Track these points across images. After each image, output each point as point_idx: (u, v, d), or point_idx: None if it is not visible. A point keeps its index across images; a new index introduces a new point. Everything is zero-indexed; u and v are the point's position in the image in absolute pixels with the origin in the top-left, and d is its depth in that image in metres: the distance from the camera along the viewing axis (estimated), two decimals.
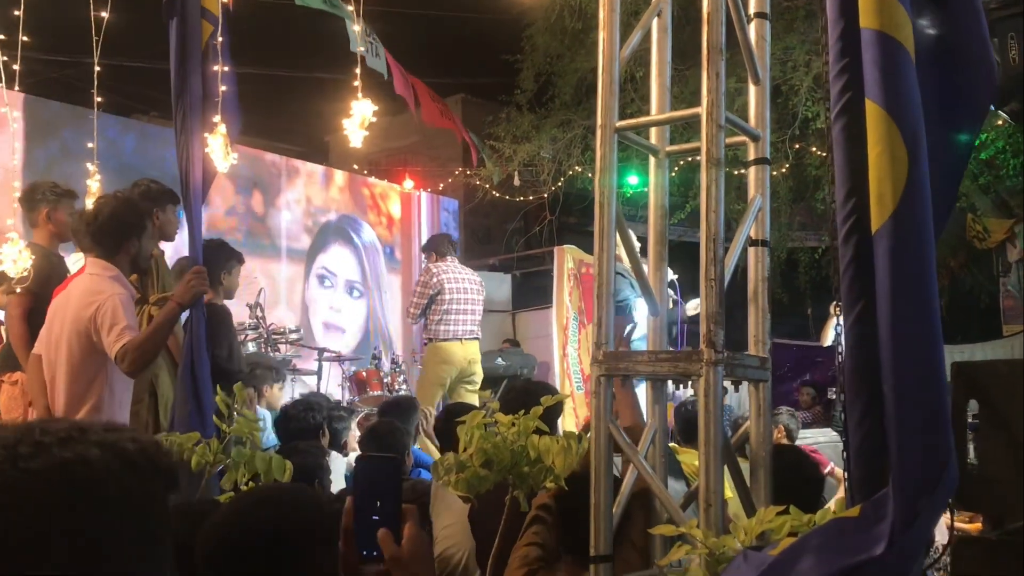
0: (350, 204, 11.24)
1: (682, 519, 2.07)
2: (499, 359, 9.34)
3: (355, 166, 12.33)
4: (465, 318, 6.91)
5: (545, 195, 12.71)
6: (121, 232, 3.61)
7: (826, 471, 5.30)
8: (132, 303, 3.60)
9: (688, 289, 7.24)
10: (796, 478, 2.90)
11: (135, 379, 3.78)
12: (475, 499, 2.85)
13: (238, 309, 7.66)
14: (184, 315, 3.58)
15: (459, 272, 7.12)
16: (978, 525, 3.45)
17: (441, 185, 13.23)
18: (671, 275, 6.09)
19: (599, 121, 2.33)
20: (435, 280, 6.91)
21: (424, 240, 11.79)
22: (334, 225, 11.26)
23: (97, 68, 5.26)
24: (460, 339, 6.83)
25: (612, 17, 2.35)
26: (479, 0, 9.37)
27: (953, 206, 1.81)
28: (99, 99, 5.53)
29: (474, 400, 6.74)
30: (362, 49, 4.71)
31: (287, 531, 1.82)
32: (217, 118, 3.37)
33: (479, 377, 7.04)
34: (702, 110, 2.13)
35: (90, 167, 5.10)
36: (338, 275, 11.21)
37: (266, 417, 4.91)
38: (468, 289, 7.00)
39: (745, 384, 2.28)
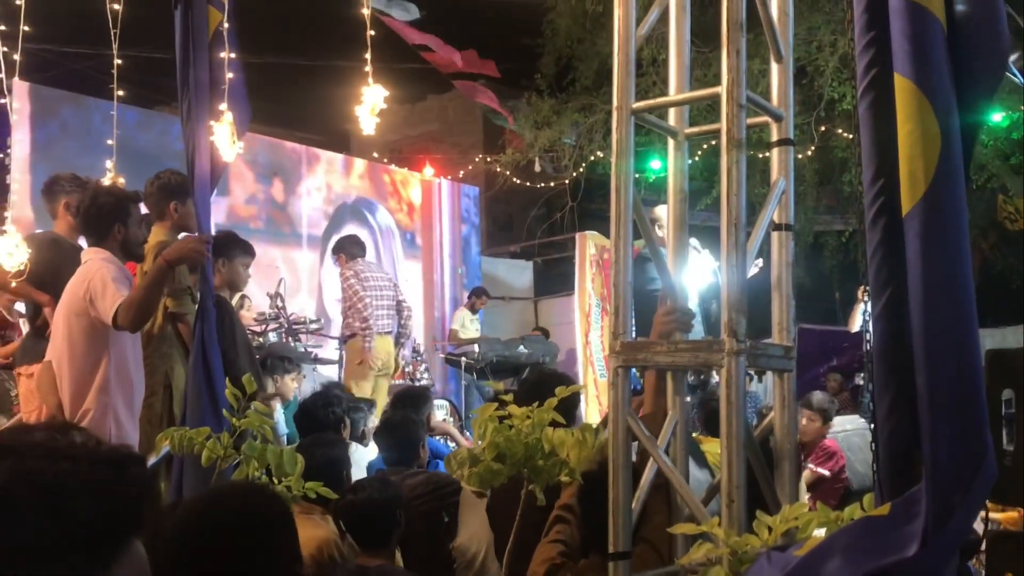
0: (370, 191, 11.16)
1: (704, 515, 1.99)
2: (521, 347, 9.29)
3: (375, 154, 12.27)
4: (381, 313, 7.34)
5: (567, 181, 12.61)
6: (104, 219, 3.75)
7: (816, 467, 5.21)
8: (124, 276, 3.69)
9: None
10: None
11: (147, 364, 3.79)
12: (492, 492, 2.81)
13: (259, 299, 7.68)
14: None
15: (371, 271, 7.53)
16: (1013, 515, 3.35)
17: (461, 172, 13.17)
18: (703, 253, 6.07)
19: (615, 103, 2.25)
20: (355, 284, 7.34)
21: (446, 227, 11.83)
22: (350, 207, 11.08)
23: (117, 61, 5.23)
24: (380, 333, 7.29)
25: None
26: None
27: (965, 185, 1.71)
28: (120, 92, 5.51)
29: (386, 388, 7.27)
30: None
31: (243, 526, 1.88)
32: (224, 106, 3.32)
33: (392, 368, 7.50)
34: (722, 89, 2.04)
35: (108, 163, 5.09)
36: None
37: (276, 407, 4.88)
38: (382, 287, 7.46)
39: (769, 373, 2.20)
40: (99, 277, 3.56)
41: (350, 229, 10.49)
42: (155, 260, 3.57)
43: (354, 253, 7.62)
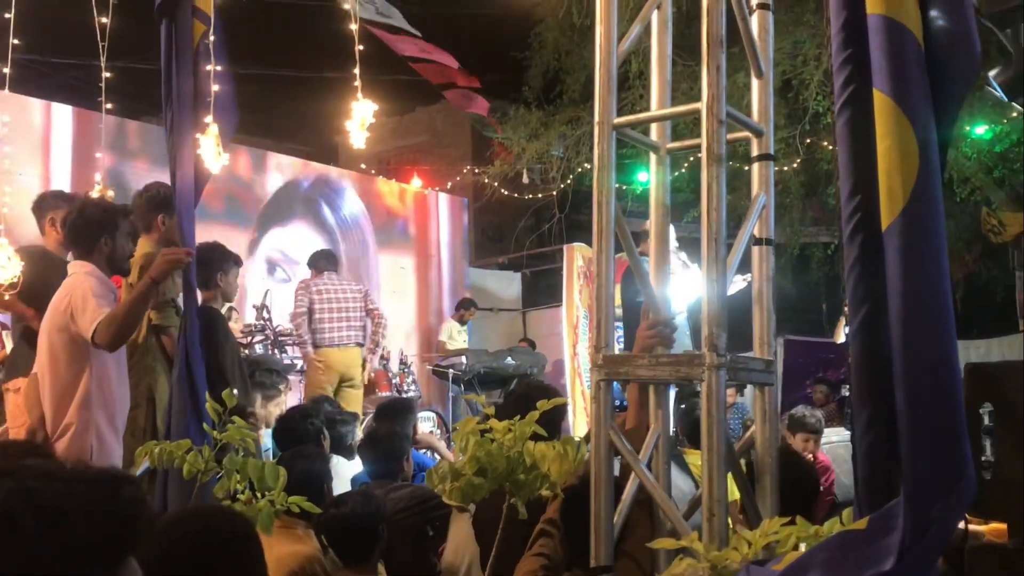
0: (359, 204, 11.03)
1: (685, 530, 1.99)
2: (508, 358, 9.28)
3: (363, 165, 12.25)
4: (340, 326, 7.44)
5: (555, 193, 12.63)
6: (91, 231, 3.69)
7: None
8: (108, 291, 3.65)
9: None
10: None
11: (130, 377, 3.77)
12: (477, 506, 2.80)
13: (245, 311, 7.66)
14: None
15: (334, 284, 7.60)
16: (993, 526, 3.36)
17: (450, 184, 13.18)
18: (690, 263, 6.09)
19: (597, 118, 2.26)
20: (302, 297, 7.50)
21: (444, 240, 11.75)
22: (303, 196, 9.86)
23: (107, 74, 5.22)
24: (337, 346, 7.38)
25: (609, 10, 2.27)
26: None
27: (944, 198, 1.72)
28: (108, 105, 5.50)
29: (356, 398, 7.37)
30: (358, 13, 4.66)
31: (205, 548, 1.91)
32: (209, 118, 3.32)
33: (359, 379, 7.56)
34: (702, 105, 2.05)
35: (97, 176, 5.08)
36: (300, 263, 9.17)
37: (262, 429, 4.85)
38: (345, 299, 7.52)
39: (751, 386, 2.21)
40: (80, 292, 3.52)
41: (297, 226, 9.85)
42: (139, 276, 3.53)
43: (321, 267, 7.69)
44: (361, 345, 7.56)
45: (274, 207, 9.66)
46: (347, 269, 9.71)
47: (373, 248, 10.77)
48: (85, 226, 3.70)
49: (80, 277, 3.62)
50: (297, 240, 9.71)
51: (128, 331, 3.51)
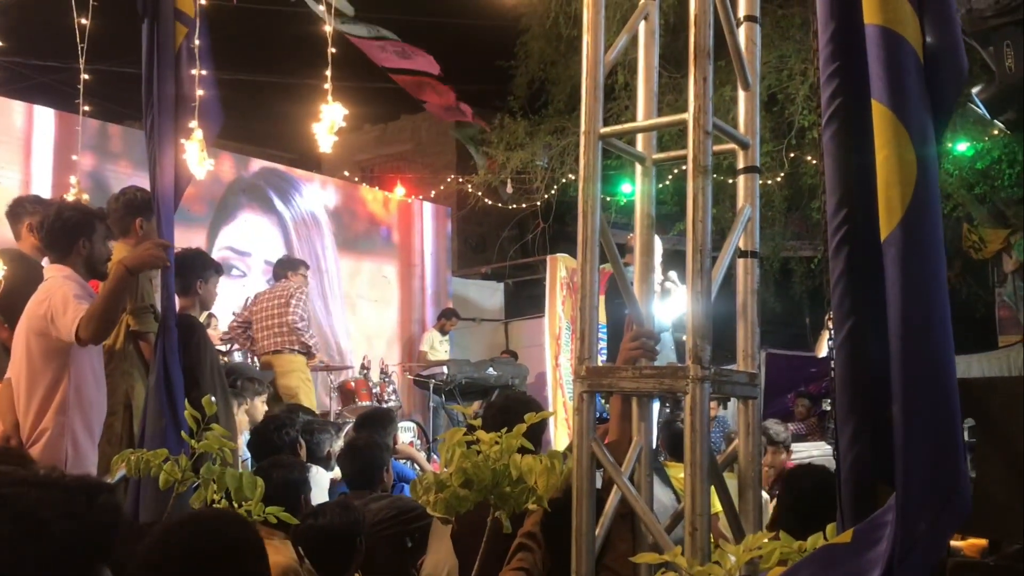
0: (343, 210, 11.00)
1: (668, 544, 1.97)
2: (490, 369, 9.24)
3: (346, 172, 12.21)
4: (265, 335, 7.30)
5: (538, 203, 12.63)
6: (69, 233, 3.67)
7: None
8: (87, 294, 3.61)
9: None
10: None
11: (108, 384, 3.72)
12: (457, 519, 2.77)
13: (224, 318, 7.60)
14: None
15: (262, 293, 7.53)
16: (972, 542, 3.37)
17: (433, 192, 13.15)
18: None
19: (583, 128, 2.25)
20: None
21: (428, 249, 11.68)
22: (247, 182, 9.22)
23: (85, 76, 5.17)
24: (265, 353, 7.28)
25: (597, 19, 2.26)
26: (473, 5, 9.31)
27: None
28: (86, 108, 5.44)
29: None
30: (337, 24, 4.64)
31: (216, 554, 1.89)
32: (194, 123, 3.28)
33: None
34: (689, 116, 2.04)
35: (73, 179, 5.03)
36: (252, 255, 9.01)
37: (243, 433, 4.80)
38: (267, 307, 7.40)
39: (734, 399, 2.19)
40: (60, 295, 3.48)
41: (245, 215, 9.31)
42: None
43: (277, 274, 7.63)
44: (280, 352, 7.35)
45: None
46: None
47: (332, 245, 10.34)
48: (62, 229, 3.67)
49: (58, 281, 3.58)
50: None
51: (110, 324, 3.49)
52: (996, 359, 10.15)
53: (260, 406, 5.22)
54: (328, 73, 4.00)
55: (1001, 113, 5.66)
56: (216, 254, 8.96)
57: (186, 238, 8.06)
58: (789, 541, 1.69)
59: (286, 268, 7.67)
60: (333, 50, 4.24)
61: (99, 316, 3.40)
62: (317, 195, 10.23)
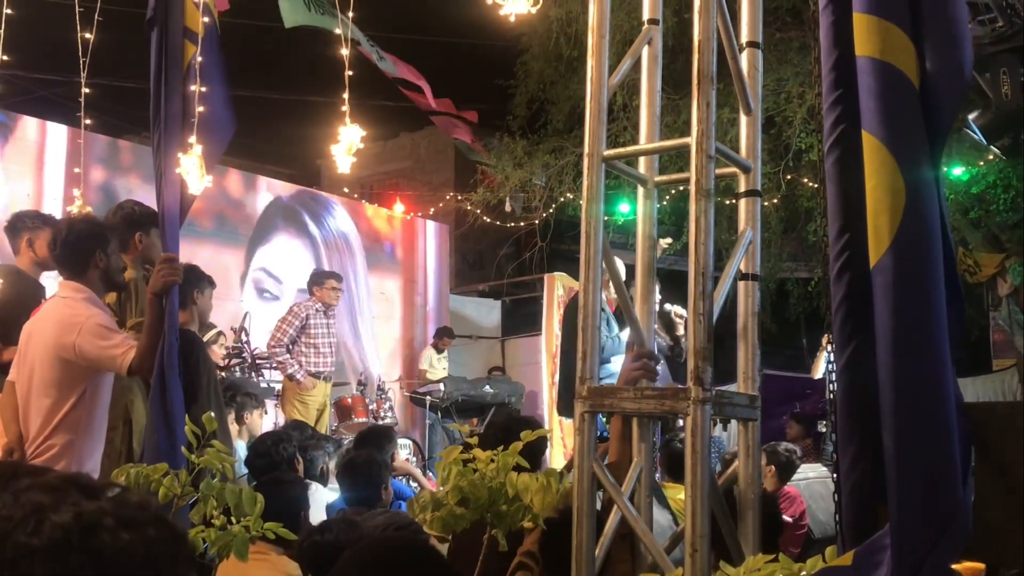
0: (343, 227, 11.00)
1: (668, 566, 1.98)
2: (487, 386, 9.25)
3: (346, 189, 12.24)
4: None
5: (536, 221, 12.67)
6: (84, 247, 3.56)
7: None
8: (112, 318, 3.57)
9: None
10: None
11: (112, 403, 3.70)
12: (453, 537, 2.77)
13: (258, 340, 7.59)
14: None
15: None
16: (968, 565, 3.36)
17: (432, 210, 13.18)
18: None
19: (586, 149, 2.27)
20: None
21: (430, 266, 11.70)
22: (284, 206, 9.58)
23: (86, 90, 5.19)
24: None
25: (601, 44, 2.29)
26: (474, 25, 9.38)
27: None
28: (87, 120, 5.47)
29: None
30: (358, 46, 4.67)
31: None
32: (193, 139, 3.29)
33: None
34: (692, 140, 2.07)
35: (76, 192, 5.04)
36: (284, 281, 9.38)
37: (240, 447, 4.80)
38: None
39: (734, 420, 2.20)
40: (94, 325, 3.38)
41: (280, 238, 9.67)
42: (117, 297, 3.45)
43: (309, 290, 7.75)
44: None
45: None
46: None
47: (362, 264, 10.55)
48: (77, 242, 3.55)
49: (81, 306, 3.47)
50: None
51: (156, 354, 3.39)
52: (991, 382, 10.19)
53: (259, 420, 5.22)
54: (346, 96, 4.02)
55: (997, 139, 5.73)
56: (251, 275, 9.14)
57: (223, 255, 8.37)
58: (789, 564, 1.70)
59: (312, 284, 7.78)
60: (350, 72, 4.27)
61: (151, 350, 3.32)
62: (340, 221, 10.40)
